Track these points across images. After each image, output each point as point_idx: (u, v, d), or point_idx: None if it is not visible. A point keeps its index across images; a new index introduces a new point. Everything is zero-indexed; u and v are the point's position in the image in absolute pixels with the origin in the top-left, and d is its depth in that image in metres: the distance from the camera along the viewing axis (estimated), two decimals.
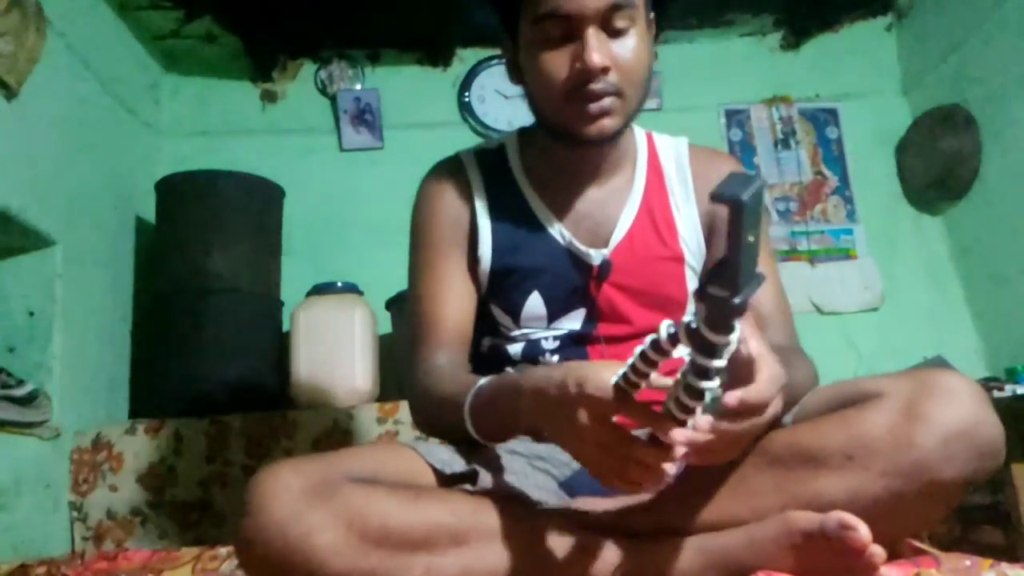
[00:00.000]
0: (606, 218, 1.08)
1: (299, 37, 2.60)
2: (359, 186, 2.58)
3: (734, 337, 0.62)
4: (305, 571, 0.76)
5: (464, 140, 2.54)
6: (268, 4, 2.38)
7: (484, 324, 1.11)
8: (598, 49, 0.94)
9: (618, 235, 1.08)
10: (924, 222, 2.61)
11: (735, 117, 2.70)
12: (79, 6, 2.07)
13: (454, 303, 1.06)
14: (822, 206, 2.63)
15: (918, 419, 0.75)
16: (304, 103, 2.66)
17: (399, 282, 2.12)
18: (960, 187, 2.44)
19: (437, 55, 2.68)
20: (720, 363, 0.63)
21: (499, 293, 1.09)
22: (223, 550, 1.35)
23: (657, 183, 1.12)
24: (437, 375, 0.99)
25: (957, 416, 0.75)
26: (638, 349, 0.68)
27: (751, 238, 0.58)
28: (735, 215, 0.57)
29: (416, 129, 2.62)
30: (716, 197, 0.57)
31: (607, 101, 0.96)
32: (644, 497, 0.85)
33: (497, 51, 2.69)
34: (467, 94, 2.66)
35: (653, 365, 0.67)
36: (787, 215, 2.60)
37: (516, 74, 1.08)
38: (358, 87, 2.65)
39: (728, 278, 0.59)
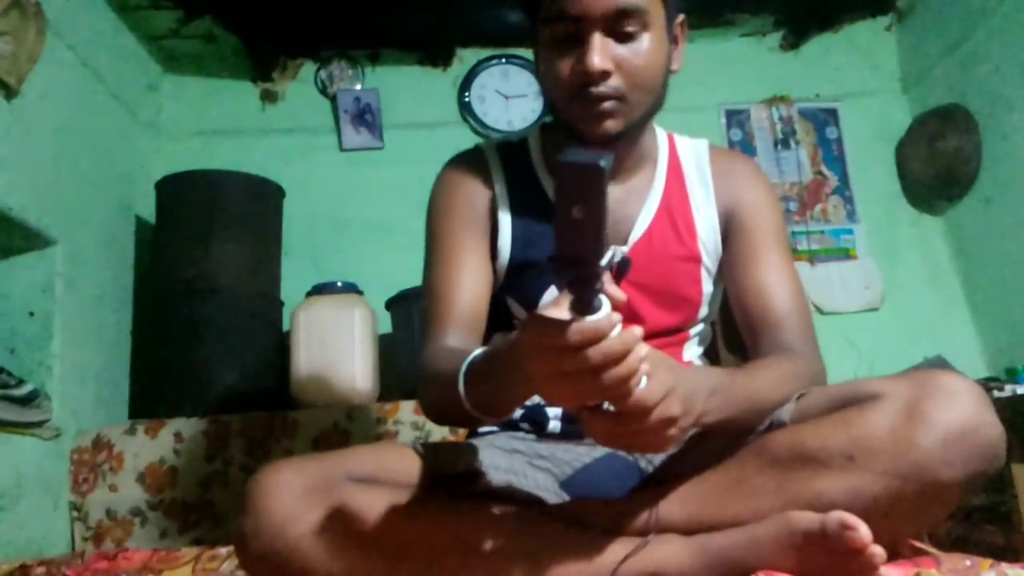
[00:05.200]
0: (625, 216, 1.08)
1: (299, 37, 2.60)
2: (359, 186, 2.58)
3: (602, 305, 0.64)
4: (304, 570, 0.76)
5: (464, 140, 2.54)
6: (268, 4, 2.38)
7: (497, 319, 1.10)
8: (599, 53, 0.94)
9: (637, 233, 1.08)
10: (924, 222, 2.61)
11: (735, 117, 2.70)
12: (79, 6, 2.07)
13: (468, 287, 1.05)
14: (822, 206, 2.63)
15: (919, 420, 0.75)
16: (304, 103, 2.66)
17: (399, 282, 2.16)
18: (960, 187, 2.44)
19: (437, 55, 2.68)
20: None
21: (516, 286, 1.09)
22: (223, 550, 1.35)
23: (677, 184, 1.12)
24: (442, 355, 0.97)
25: (958, 417, 0.75)
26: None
27: (578, 213, 0.58)
28: (595, 179, 0.56)
29: (416, 129, 2.63)
30: (564, 164, 0.56)
31: (608, 104, 0.96)
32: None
33: (497, 51, 2.69)
34: (467, 94, 2.66)
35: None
36: (787, 215, 2.60)
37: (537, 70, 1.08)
38: (358, 87, 2.65)
39: (584, 245, 0.60)
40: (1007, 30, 2.25)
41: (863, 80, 2.72)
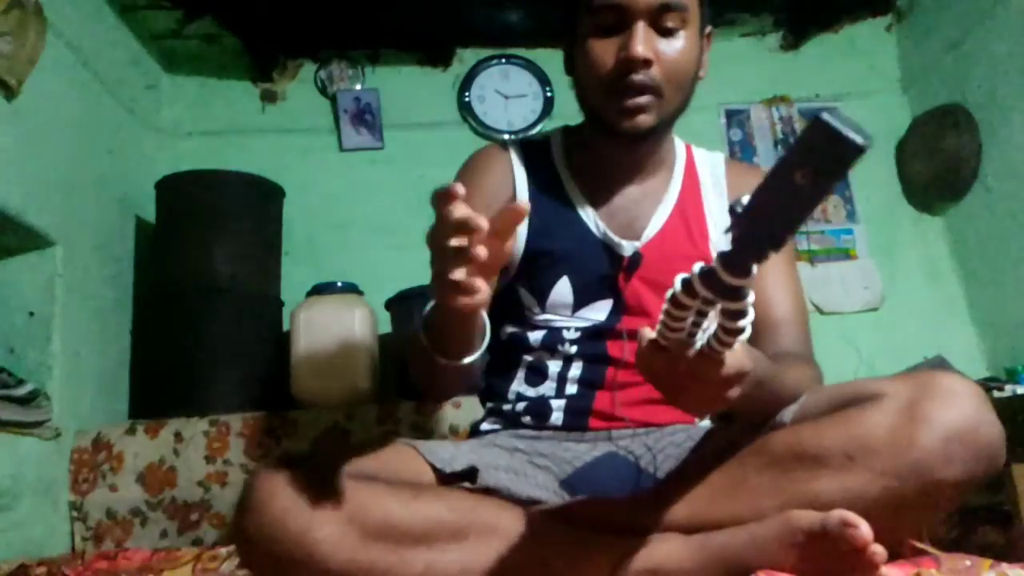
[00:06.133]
0: (641, 213, 1.11)
1: (299, 37, 2.60)
2: (359, 186, 2.58)
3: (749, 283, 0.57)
4: (306, 565, 0.77)
5: (464, 140, 2.56)
6: (268, 4, 2.38)
7: (507, 310, 1.11)
8: (643, 41, 0.98)
9: (651, 231, 1.10)
10: (924, 222, 2.61)
11: (735, 117, 2.70)
12: (79, 6, 2.07)
13: None
14: (822, 206, 2.63)
15: (919, 420, 0.75)
16: (304, 103, 2.66)
17: (399, 282, 2.16)
18: (960, 187, 2.44)
19: (437, 55, 2.68)
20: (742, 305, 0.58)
21: (529, 275, 1.10)
22: (223, 550, 1.36)
23: (692, 189, 1.16)
24: None
25: (958, 417, 0.75)
26: (669, 292, 0.64)
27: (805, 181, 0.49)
28: (847, 157, 0.48)
29: (416, 129, 2.62)
30: (822, 123, 0.47)
31: (644, 98, 1.00)
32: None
33: (497, 51, 2.69)
34: (467, 94, 2.66)
35: (684, 309, 0.64)
36: None
37: (569, 65, 1.11)
38: (358, 87, 2.65)
39: (785, 213, 0.52)
40: (1007, 30, 2.25)
41: (863, 80, 2.71)
